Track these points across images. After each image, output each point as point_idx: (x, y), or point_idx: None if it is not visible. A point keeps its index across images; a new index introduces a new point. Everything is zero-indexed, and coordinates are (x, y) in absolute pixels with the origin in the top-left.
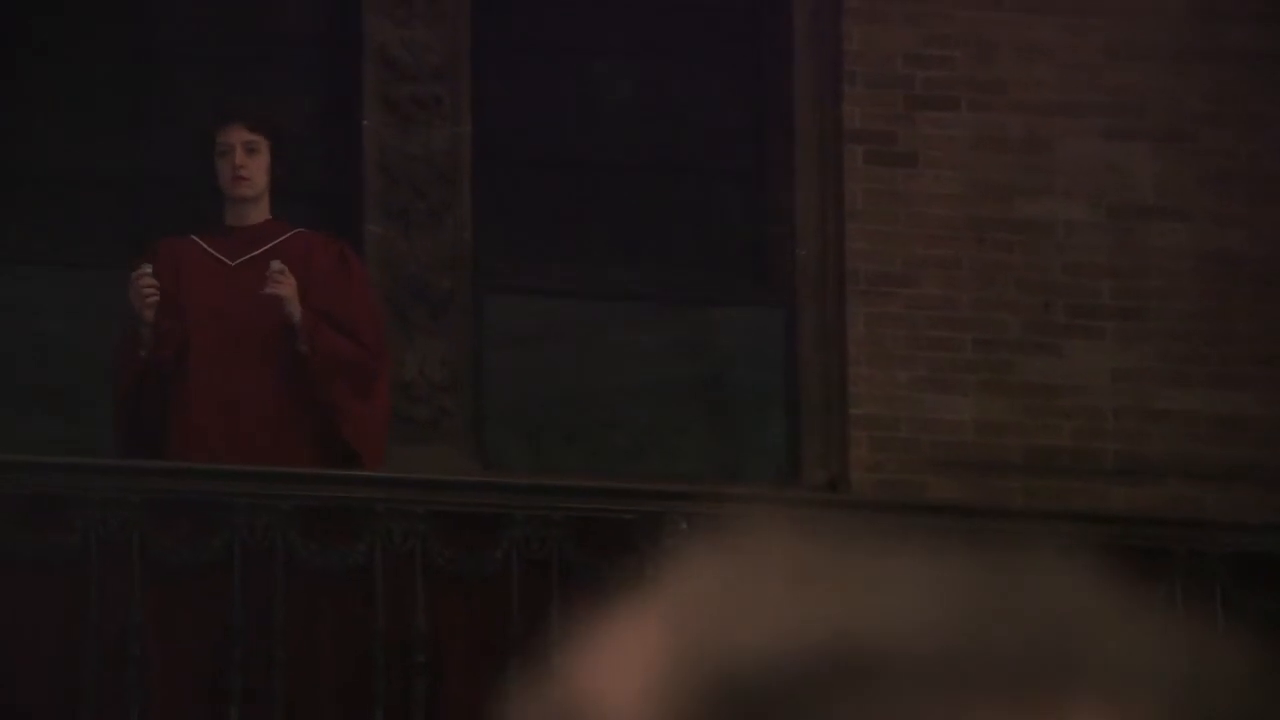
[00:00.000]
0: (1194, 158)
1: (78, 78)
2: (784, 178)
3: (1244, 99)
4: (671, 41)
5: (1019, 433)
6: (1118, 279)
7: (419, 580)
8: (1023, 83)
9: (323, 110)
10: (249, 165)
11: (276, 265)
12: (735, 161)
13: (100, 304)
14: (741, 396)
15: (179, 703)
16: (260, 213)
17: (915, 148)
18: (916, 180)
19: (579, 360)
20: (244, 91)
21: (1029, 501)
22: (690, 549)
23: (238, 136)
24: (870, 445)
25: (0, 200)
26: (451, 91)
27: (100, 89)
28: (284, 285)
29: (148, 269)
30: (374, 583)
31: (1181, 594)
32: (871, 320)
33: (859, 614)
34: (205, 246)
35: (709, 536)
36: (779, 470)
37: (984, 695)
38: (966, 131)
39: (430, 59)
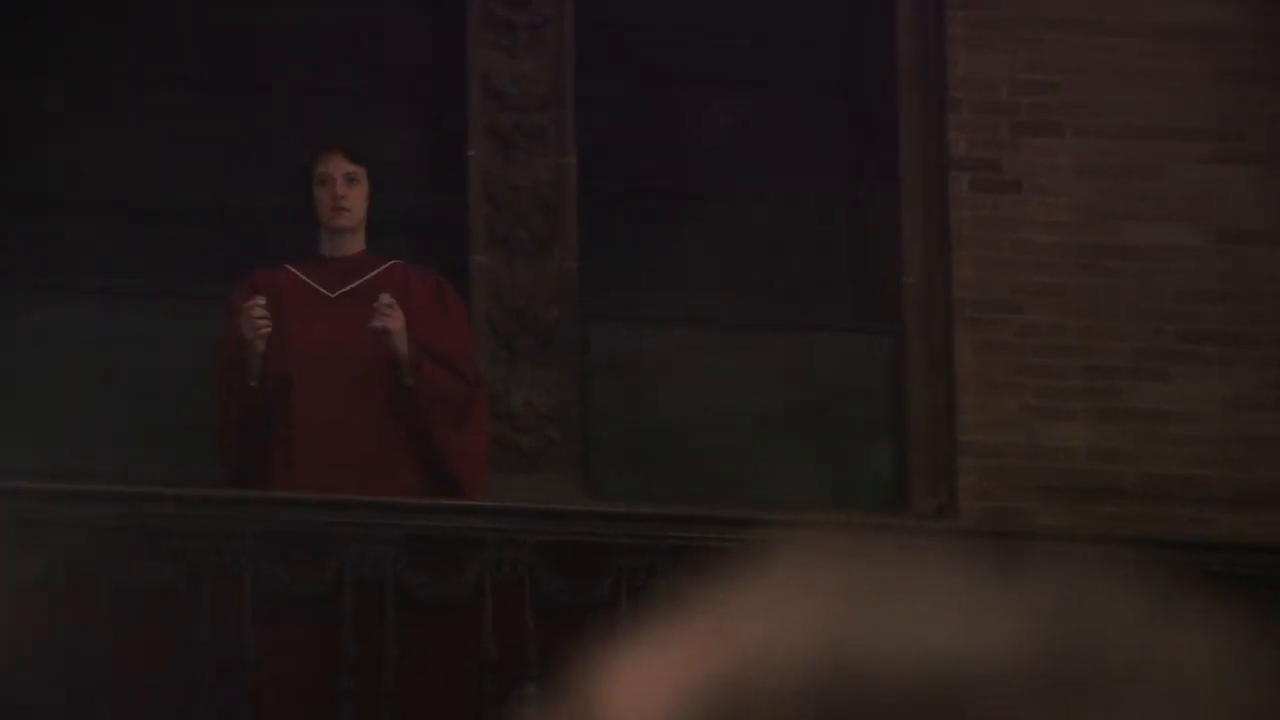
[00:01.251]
0: None
1: (189, 111)
2: (890, 205)
3: None
4: (774, 70)
5: (1128, 460)
6: (1227, 304)
7: (527, 609)
8: (1127, 108)
9: (428, 141)
10: (349, 195)
11: (385, 299)
12: (841, 189)
13: (211, 337)
14: (848, 425)
15: None
16: (356, 243)
17: (1020, 174)
18: (1022, 207)
19: (685, 388)
20: (350, 123)
21: (1139, 529)
22: (792, 576)
23: (338, 167)
24: (979, 473)
25: (116, 234)
26: (556, 122)
27: (209, 121)
28: (393, 319)
29: (261, 300)
30: (483, 612)
31: None
32: (979, 347)
33: (962, 641)
34: (303, 277)
35: (817, 564)
36: (887, 498)
37: None
38: (1071, 158)
39: (535, 89)
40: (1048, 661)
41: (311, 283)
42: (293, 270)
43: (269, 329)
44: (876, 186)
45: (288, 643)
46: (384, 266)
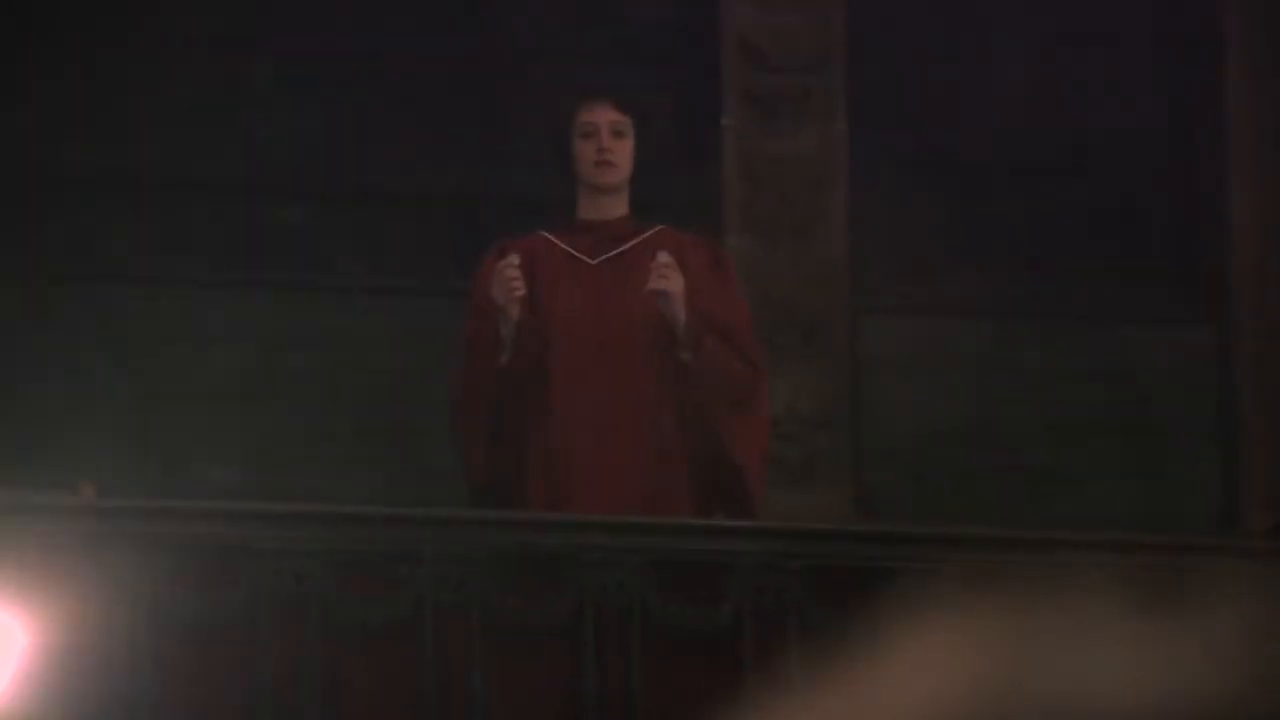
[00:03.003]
0: None
1: (427, 85)
2: (1213, 179)
3: None
4: (1076, 24)
5: None
6: None
7: (790, 640)
8: None
9: (676, 108)
10: (615, 149)
11: (664, 257)
12: (1153, 160)
13: (440, 333)
14: (1166, 429)
15: None
16: (619, 206)
17: None
18: None
19: (971, 389)
20: (587, 90)
21: None
22: (1091, 603)
23: (604, 116)
24: None
25: (340, 226)
26: (823, 85)
27: (438, 96)
28: (672, 280)
29: (514, 259)
30: (741, 644)
31: None
32: None
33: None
34: (560, 243)
35: (1132, 591)
36: (1213, 516)
37: None
38: None
39: (798, 49)
40: None
41: (569, 249)
42: (548, 236)
43: (523, 291)
44: (1198, 158)
45: (521, 677)
46: (651, 231)
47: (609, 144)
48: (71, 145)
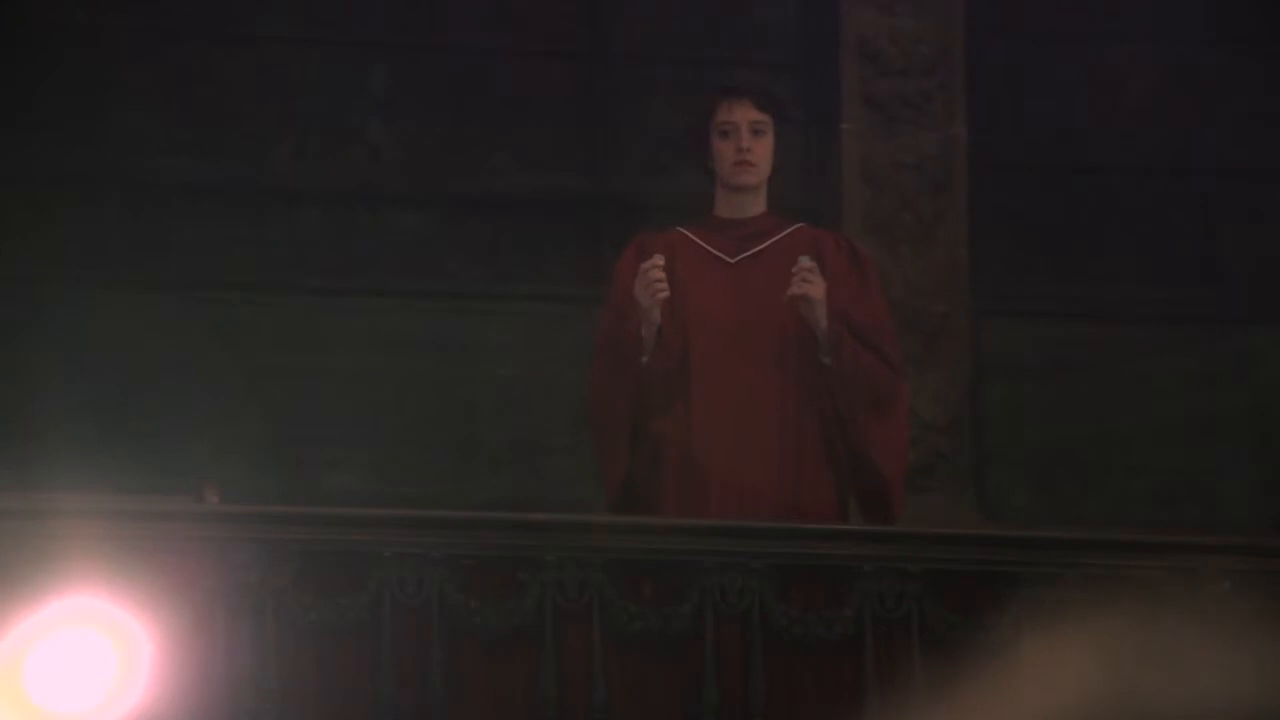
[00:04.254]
0: None
1: (532, 91)
2: None
3: None
4: (1205, 21)
5: None
6: None
7: (914, 646)
8: None
9: (795, 112)
10: (755, 148)
11: (806, 261)
12: (1276, 160)
13: (556, 342)
14: None
15: None
16: (757, 204)
17: None
18: None
19: (1095, 392)
20: (703, 92)
21: None
22: (1230, 611)
23: (744, 114)
24: None
25: (448, 231)
26: (943, 88)
27: (556, 100)
28: (814, 285)
29: (659, 260)
30: (862, 649)
31: None
32: None
33: None
34: (698, 241)
35: (1259, 595)
36: None
37: None
38: None
39: (919, 51)
40: None
41: (708, 247)
42: (685, 233)
43: (666, 294)
44: None
45: (641, 683)
46: (790, 230)
47: (749, 143)
48: (191, 157)
